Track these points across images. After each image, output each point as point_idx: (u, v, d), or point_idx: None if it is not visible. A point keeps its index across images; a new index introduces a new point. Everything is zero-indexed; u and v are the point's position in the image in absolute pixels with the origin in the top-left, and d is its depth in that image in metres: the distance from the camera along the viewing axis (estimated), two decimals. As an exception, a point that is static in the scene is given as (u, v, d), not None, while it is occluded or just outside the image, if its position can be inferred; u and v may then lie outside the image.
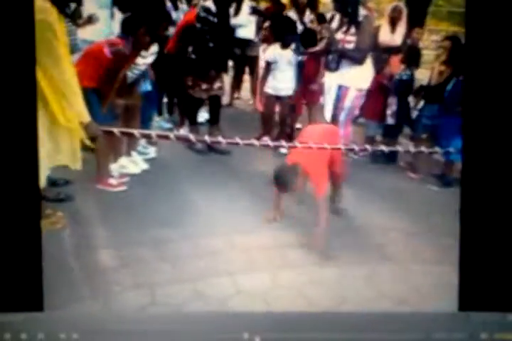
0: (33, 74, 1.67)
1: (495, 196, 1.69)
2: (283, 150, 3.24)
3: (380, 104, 3.60)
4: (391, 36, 3.72)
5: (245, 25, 4.41)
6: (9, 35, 1.60)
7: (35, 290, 1.63)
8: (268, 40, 3.80)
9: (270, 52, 3.66)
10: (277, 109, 3.79)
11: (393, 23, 3.69)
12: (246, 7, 4.40)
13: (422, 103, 3.47)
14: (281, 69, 3.61)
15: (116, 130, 2.53)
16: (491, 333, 1.67)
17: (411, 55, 3.56)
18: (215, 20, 3.47)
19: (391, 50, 3.66)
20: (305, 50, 3.63)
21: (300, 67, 3.69)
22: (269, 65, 3.65)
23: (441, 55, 3.31)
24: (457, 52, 3.17)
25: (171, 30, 3.63)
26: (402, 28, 3.71)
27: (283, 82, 3.65)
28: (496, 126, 1.68)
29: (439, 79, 3.32)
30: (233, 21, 4.23)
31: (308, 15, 4.00)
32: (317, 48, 3.60)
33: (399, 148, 3.37)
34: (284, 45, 3.58)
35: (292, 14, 3.99)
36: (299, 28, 3.86)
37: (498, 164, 1.69)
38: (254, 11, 4.42)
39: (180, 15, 3.91)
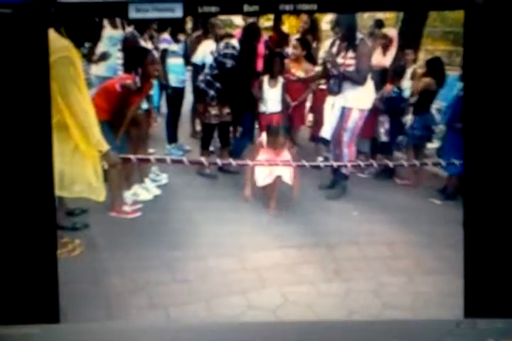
0: (49, 108, 1.76)
1: (497, 207, 1.73)
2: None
3: (371, 122, 3.69)
4: (381, 59, 3.85)
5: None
6: (25, 69, 1.72)
7: (51, 303, 1.70)
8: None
9: None
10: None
11: (384, 47, 3.83)
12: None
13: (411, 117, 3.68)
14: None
15: (133, 157, 2.67)
16: (498, 340, 1.68)
17: (395, 73, 3.72)
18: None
19: (382, 72, 3.79)
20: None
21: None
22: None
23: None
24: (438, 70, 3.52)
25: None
26: (392, 51, 3.84)
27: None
28: (496, 137, 1.72)
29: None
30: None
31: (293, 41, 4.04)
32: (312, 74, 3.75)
33: (404, 163, 3.45)
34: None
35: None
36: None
37: (500, 175, 1.72)
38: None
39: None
